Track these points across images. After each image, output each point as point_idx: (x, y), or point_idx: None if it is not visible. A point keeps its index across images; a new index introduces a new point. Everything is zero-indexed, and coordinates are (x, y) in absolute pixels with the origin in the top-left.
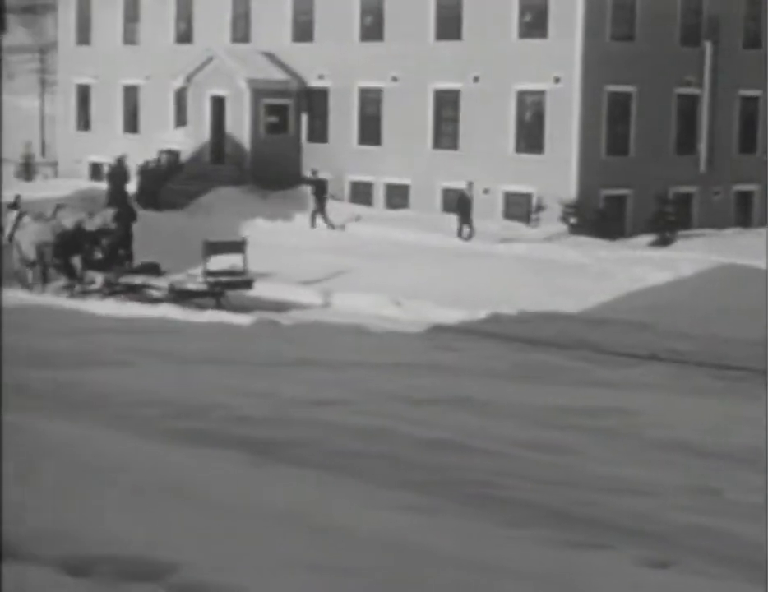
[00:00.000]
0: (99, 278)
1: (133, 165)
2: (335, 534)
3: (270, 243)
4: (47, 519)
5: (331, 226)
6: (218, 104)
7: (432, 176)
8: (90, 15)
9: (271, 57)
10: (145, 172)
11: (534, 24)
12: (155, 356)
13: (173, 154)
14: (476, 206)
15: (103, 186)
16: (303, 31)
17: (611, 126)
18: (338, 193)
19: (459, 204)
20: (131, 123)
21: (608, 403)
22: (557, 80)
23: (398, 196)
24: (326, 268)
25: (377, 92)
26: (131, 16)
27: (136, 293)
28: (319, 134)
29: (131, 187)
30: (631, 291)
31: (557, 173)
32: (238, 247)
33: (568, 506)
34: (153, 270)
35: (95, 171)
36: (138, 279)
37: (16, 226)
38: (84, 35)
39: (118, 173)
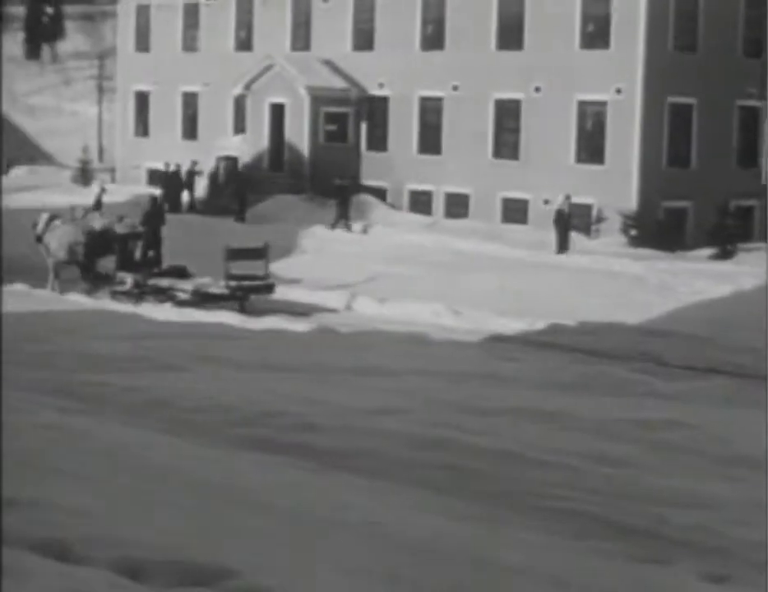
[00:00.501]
0: (129, 279)
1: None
2: (395, 542)
3: (329, 251)
4: (103, 522)
5: (349, 229)
6: (277, 111)
7: (493, 186)
8: (149, 22)
9: (331, 65)
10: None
11: (597, 34)
12: (214, 362)
13: (232, 161)
14: (535, 217)
15: (158, 191)
16: (364, 39)
17: (672, 137)
18: (397, 202)
19: (557, 219)
20: (190, 130)
21: (668, 416)
22: (618, 90)
23: (457, 206)
24: (385, 276)
25: (438, 101)
26: (191, 23)
27: (163, 294)
28: (378, 143)
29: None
30: (691, 304)
31: (618, 185)
32: (260, 253)
33: (629, 519)
34: (181, 272)
35: (153, 177)
36: (165, 282)
37: (46, 228)
38: (143, 42)
39: (173, 180)
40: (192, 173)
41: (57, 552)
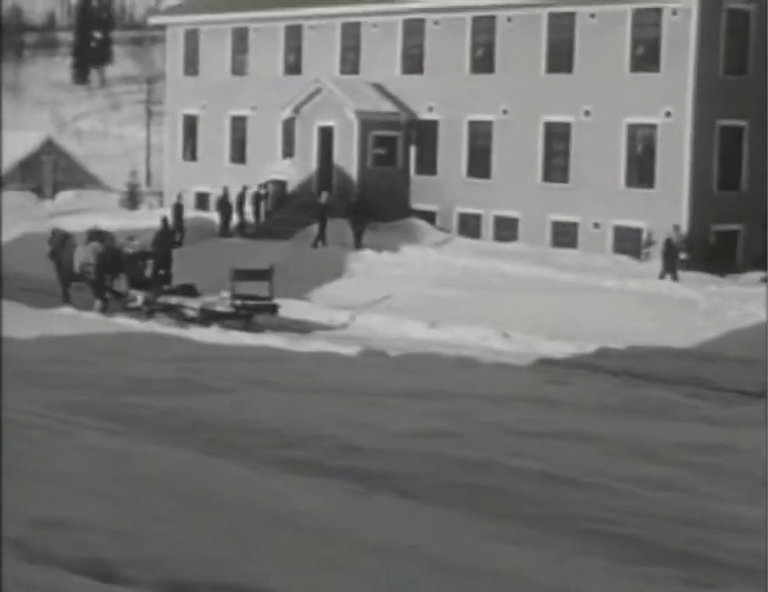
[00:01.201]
0: (139, 296)
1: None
2: (442, 566)
3: (378, 274)
4: (146, 543)
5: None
6: (326, 134)
7: (542, 209)
8: (198, 46)
9: (380, 88)
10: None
11: (646, 57)
12: (259, 384)
13: (280, 185)
14: (585, 241)
15: (206, 215)
16: (413, 63)
17: (723, 160)
18: (446, 226)
19: (666, 250)
20: (238, 154)
21: (719, 440)
22: (668, 113)
23: (507, 229)
24: (435, 299)
25: (487, 125)
26: (240, 47)
27: (173, 311)
28: (428, 166)
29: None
30: (742, 327)
31: (668, 208)
32: (264, 274)
33: (681, 544)
34: (189, 291)
35: (201, 201)
36: (174, 299)
37: (61, 246)
38: (192, 66)
39: (225, 204)
40: (243, 197)
41: (101, 574)
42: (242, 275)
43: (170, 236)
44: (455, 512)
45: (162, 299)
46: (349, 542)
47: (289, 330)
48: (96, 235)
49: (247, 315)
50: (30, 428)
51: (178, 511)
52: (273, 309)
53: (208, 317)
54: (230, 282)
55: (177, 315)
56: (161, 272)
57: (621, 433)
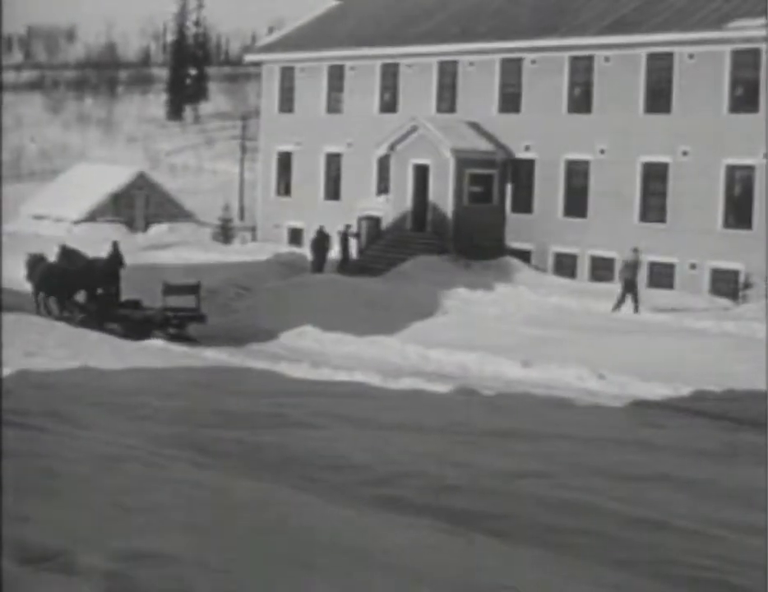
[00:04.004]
0: (93, 308)
1: (333, 233)
2: None
3: (471, 312)
4: (236, 578)
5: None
6: (421, 172)
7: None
8: (293, 84)
9: (477, 127)
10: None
11: (746, 98)
12: (349, 421)
13: (374, 221)
14: (681, 281)
15: (299, 250)
16: (510, 102)
17: None
18: (541, 265)
19: None
20: (333, 190)
21: None
22: (766, 155)
23: (603, 269)
24: (528, 338)
25: (584, 164)
26: (336, 85)
27: (120, 321)
28: (524, 205)
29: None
30: None
31: (765, 250)
32: (193, 289)
33: None
34: (136, 304)
35: (294, 236)
36: (123, 311)
37: (32, 268)
38: (287, 104)
39: (321, 241)
40: (345, 234)
41: None
42: (173, 289)
43: (118, 259)
44: (546, 554)
45: (113, 311)
46: (439, 581)
47: (379, 367)
48: (65, 253)
49: (179, 324)
50: (120, 461)
51: (269, 546)
52: (201, 319)
53: (148, 324)
54: (162, 296)
55: (124, 323)
56: (111, 289)
57: (716, 478)
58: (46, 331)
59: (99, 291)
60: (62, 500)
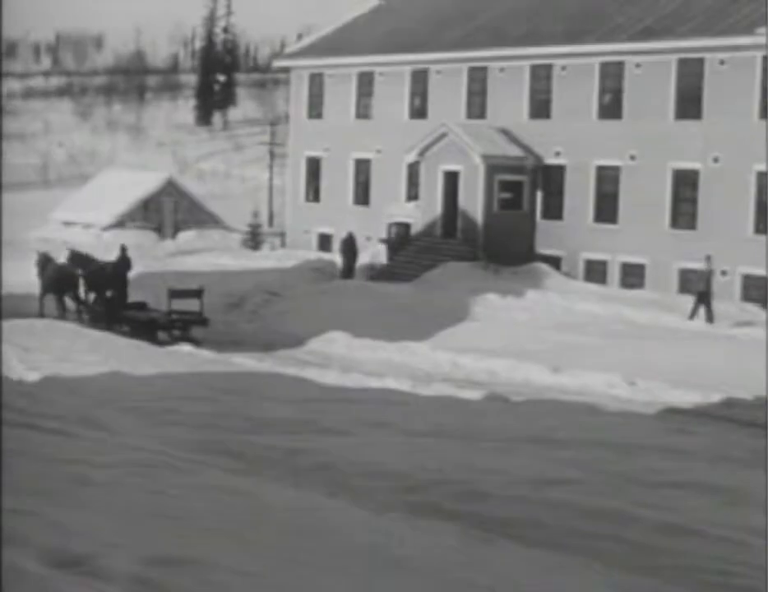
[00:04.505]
0: (100, 309)
1: (362, 238)
2: None
3: (501, 319)
4: (269, 583)
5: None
6: (451, 178)
7: (669, 256)
8: (322, 90)
9: (507, 133)
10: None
11: None
12: (380, 427)
13: (404, 227)
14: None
15: (328, 256)
16: (540, 108)
17: None
18: (572, 271)
19: None
20: (362, 196)
21: None
22: None
23: (633, 276)
24: (558, 345)
25: (615, 170)
26: (365, 91)
27: (124, 322)
28: (554, 211)
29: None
30: None
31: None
32: (196, 293)
33: None
34: (141, 306)
35: (323, 242)
36: (128, 312)
37: (43, 268)
38: (316, 109)
39: (349, 247)
40: (390, 240)
41: None
42: (178, 293)
43: (126, 262)
44: (576, 560)
45: (119, 312)
46: (468, 588)
47: (409, 373)
48: (75, 257)
49: (183, 327)
50: (150, 467)
51: (302, 552)
52: (203, 321)
53: (153, 325)
54: (167, 299)
55: (129, 324)
56: (113, 292)
57: (746, 485)
58: (75, 337)
59: (109, 293)
60: (93, 505)
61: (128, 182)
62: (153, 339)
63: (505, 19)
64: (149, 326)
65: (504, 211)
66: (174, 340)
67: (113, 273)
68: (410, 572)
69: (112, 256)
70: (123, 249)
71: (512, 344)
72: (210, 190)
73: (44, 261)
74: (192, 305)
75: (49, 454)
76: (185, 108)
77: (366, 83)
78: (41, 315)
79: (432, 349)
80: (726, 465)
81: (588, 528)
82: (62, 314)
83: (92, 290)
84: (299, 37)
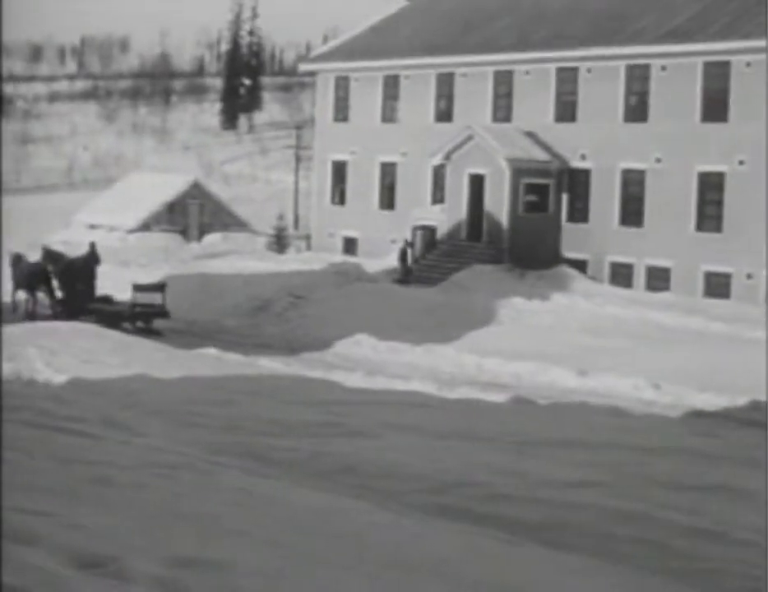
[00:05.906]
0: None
1: (387, 242)
2: None
3: (527, 322)
4: (291, 585)
5: None
6: (476, 181)
7: (695, 259)
8: (348, 93)
9: (533, 136)
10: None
11: None
12: (404, 429)
13: (429, 231)
14: (738, 292)
15: (353, 259)
16: (566, 111)
17: None
18: (597, 275)
19: None
20: (387, 199)
21: None
22: None
23: (658, 279)
24: (583, 348)
25: (640, 173)
26: (391, 94)
27: (91, 314)
28: (579, 214)
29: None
30: None
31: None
32: (159, 288)
33: None
34: (107, 300)
35: (349, 245)
36: (96, 305)
37: (15, 267)
38: (342, 113)
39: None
40: (407, 245)
41: None
42: (141, 288)
43: (95, 258)
44: (601, 563)
45: (87, 305)
46: (491, 590)
47: (434, 376)
48: (48, 254)
49: (146, 319)
50: (175, 469)
51: (325, 554)
52: (164, 315)
53: (117, 317)
54: (132, 293)
55: (96, 316)
56: (81, 286)
57: None
58: (99, 339)
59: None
60: (117, 507)
61: (154, 185)
62: (118, 328)
63: (530, 21)
64: (114, 318)
65: (529, 214)
66: (138, 331)
67: (83, 268)
68: (435, 575)
69: (138, 258)
70: (92, 245)
71: (537, 348)
72: (236, 193)
73: (17, 260)
74: (155, 299)
75: (74, 456)
76: (210, 112)
77: (391, 86)
78: (14, 309)
79: (458, 351)
80: (751, 469)
81: (613, 531)
82: (34, 308)
83: (63, 284)
84: (325, 40)
